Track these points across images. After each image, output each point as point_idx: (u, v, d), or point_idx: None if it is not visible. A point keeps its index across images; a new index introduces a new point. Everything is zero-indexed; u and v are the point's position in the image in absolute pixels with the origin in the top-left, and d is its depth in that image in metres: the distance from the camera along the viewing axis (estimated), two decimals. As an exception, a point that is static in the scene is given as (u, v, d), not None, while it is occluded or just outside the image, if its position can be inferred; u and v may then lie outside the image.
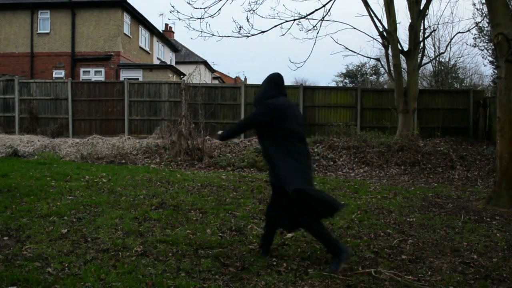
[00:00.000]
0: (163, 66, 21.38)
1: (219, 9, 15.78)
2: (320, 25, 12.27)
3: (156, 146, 12.32)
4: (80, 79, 19.39)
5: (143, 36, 23.40)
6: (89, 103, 15.03)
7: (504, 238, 4.78)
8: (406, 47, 13.13)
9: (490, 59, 19.95)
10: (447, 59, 25.31)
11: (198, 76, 12.92)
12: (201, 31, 10.63)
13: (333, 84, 37.61)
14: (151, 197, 6.46)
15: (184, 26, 21.42)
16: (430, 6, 13.47)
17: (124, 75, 19.59)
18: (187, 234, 4.59)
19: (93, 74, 20.01)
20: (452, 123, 14.75)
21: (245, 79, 50.20)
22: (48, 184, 7.04)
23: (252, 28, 18.89)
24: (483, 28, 19.20)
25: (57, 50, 20.11)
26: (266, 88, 3.97)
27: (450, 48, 24.61)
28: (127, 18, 20.81)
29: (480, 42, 20.23)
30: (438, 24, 21.38)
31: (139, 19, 22.09)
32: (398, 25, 12.69)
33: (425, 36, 14.89)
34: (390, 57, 13.26)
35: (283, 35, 12.82)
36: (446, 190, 8.26)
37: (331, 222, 5.36)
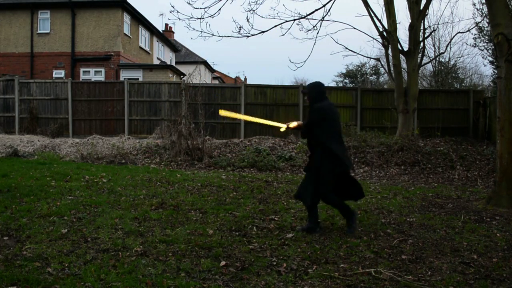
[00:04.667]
0: (163, 66, 21.38)
1: (219, 9, 15.81)
2: (320, 25, 12.29)
3: (156, 146, 12.32)
4: (80, 79, 19.39)
5: (143, 36, 23.39)
6: (89, 103, 15.02)
7: (504, 238, 4.78)
8: (406, 47, 13.12)
9: (490, 59, 19.95)
10: (447, 59, 25.32)
11: (198, 76, 12.93)
12: (201, 31, 10.65)
13: (333, 84, 37.51)
14: (151, 197, 6.46)
15: (184, 26, 21.49)
16: (430, 6, 13.48)
17: (124, 75, 19.59)
18: (187, 234, 4.59)
19: (93, 74, 20.01)
20: (452, 123, 14.74)
21: (245, 79, 50.23)
22: (48, 184, 7.04)
23: (252, 28, 18.91)
24: (483, 28, 19.20)
25: (57, 50, 20.11)
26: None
27: (450, 48, 24.63)
28: (127, 18, 20.81)
29: (480, 42, 20.24)
30: (438, 24, 21.39)
31: (139, 19, 22.09)
32: (398, 25, 12.70)
33: (425, 36, 14.89)
34: (390, 57, 13.25)
35: (283, 35, 12.84)
36: (446, 190, 8.26)
37: (330, 222, 5.36)
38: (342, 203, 4.94)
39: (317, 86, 4.99)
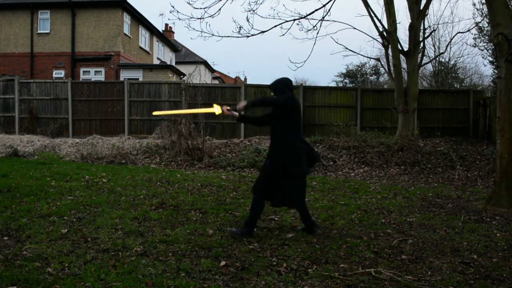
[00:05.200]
0: (163, 66, 21.38)
1: (219, 9, 15.78)
2: (320, 25, 12.28)
3: (156, 146, 12.32)
4: (80, 79, 19.39)
5: (143, 36, 23.39)
6: (89, 103, 15.03)
7: (504, 238, 4.78)
8: (406, 47, 13.12)
9: (490, 59, 19.96)
10: (447, 59, 25.32)
11: (198, 76, 12.94)
12: (201, 31, 10.65)
13: (333, 84, 37.55)
14: (151, 197, 6.46)
15: (184, 26, 21.46)
16: (430, 6, 13.47)
17: (124, 75, 19.59)
18: (187, 234, 4.59)
19: (93, 74, 20.01)
20: (452, 123, 14.74)
21: (245, 79, 50.24)
22: (48, 184, 7.04)
23: (252, 28, 18.90)
24: (483, 28, 19.21)
25: (57, 50, 20.11)
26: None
27: (450, 48, 24.63)
28: (127, 18, 20.81)
29: (480, 42, 20.26)
30: (438, 24, 21.39)
31: (139, 19, 22.09)
32: (398, 25, 12.69)
33: (425, 36, 14.88)
34: (390, 57, 13.25)
35: (283, 35, 12.84)
36: (446, 190, 8.26)
37: (330, 222, 5.36)
38: (261, 208, 4.67)
39: (279, 82, 5.07)
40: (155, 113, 5.74)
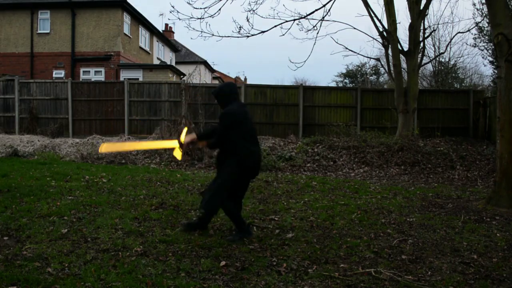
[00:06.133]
0: (163, 66, 21.38)
1: (219, 9, 15.75)
2: (320, 25, 12.24)
3: (156, 146, 12.31)
4: (80, 79, 19.38)
5: (143, 36, 23.39)
6: (89, 103, 15.02)
7: (504, 238, 4.78)
8: (406, 47, 13.13)
9: (490, 59, 19.95)
10: (447, 59, 25.30)
11: (198, 76, 12.97)
12: (201, 31, 10.62)
13: (333, 84, 37.53)
14: (151, 197, 6.47)
15: (184, 26, 21.36)
16: (430, 6, 13.48)
17: (124, 75, 19.59)
18: (187, 234, 4.59)
19: (93, 74, 20.00)
20: (452, 123, 14.73)
21: (245, 79, 50.19)
22: (48, 184, 7.04)
23: (252, 28, 18.85)
24: (483, 28, 19.21)
25: (57, 50, 20.11)
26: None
27: (450, 48, 24.60)
28: (127, 18, 20.81)
29: (480, 42, 20.25)
30: (438, 24, 21.39)
31: (139, 19, 22.09)
32: (398, 25, 12.70)
33: (425, 36, 14.88)
34: (390, 57, 13.25)
35: (283, 35, 12.82)
36: (446, 190, 8.26)
37: (331, 222, 5.36)
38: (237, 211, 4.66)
39: (222, 90, 4.64)
40: (102, 149, 5.03)
